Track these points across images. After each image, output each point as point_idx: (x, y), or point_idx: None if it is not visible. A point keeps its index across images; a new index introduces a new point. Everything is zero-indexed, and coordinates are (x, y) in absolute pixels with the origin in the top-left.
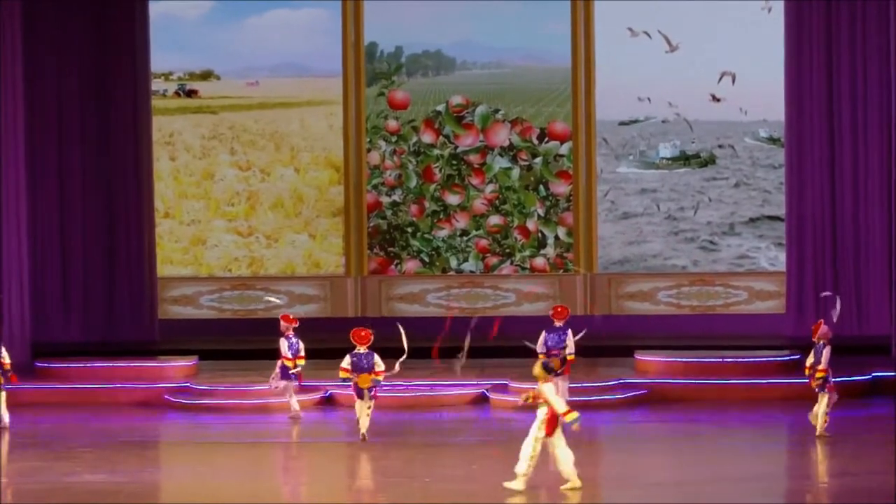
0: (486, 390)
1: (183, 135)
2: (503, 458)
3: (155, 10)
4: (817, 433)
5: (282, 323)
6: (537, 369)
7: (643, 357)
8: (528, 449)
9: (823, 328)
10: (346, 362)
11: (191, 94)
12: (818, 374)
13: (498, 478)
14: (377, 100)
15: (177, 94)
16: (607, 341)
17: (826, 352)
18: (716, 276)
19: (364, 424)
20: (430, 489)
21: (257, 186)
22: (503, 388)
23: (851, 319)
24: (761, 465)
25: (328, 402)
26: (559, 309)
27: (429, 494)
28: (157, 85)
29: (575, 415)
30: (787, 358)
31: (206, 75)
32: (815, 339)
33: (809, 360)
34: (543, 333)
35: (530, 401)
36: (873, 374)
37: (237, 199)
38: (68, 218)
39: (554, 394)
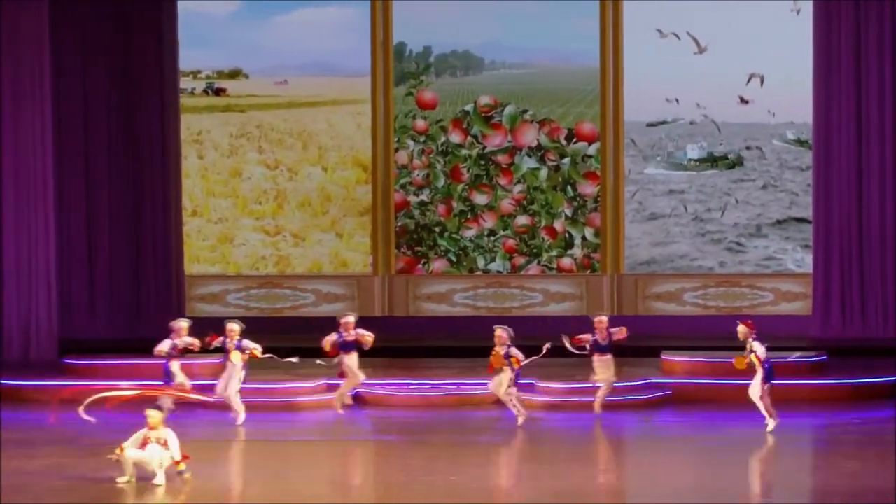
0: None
1: (211, 133)
2: (527, 458)
3: (183, 8)
4: None
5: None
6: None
7: (669, 357)
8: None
9: None
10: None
11: (219, 92)
12: None
13: (521, 477)
14: (405, 99)
15: (205, 92)
16: (633, 342)
17: None
18: (742, 278)
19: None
20: (453, 488)
21: (285, 185)
22: (529, 388)
23: (878, 321)
24: (786, 465)
25: (354, 400)
26: None
27: (452, 493)
28: (185, 83)
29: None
30: (814, 359)
31: (234, 74)
32: None
33: None
34: None
35: None
36: None
37: (265, 198)
38: (96, 216)
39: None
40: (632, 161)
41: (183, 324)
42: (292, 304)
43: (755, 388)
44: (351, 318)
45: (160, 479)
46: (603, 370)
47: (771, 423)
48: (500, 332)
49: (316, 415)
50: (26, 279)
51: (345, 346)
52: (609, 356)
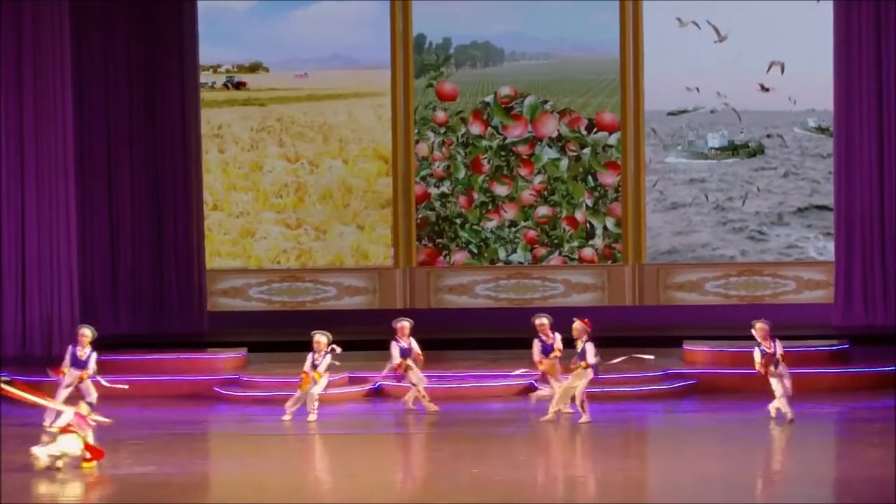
0: (535, 381)
1: (231, 127)
2: (551, 448)
3: (203, 3)
4: None
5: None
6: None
7: (691, 347)
8: None
9: None
10: None
11: (239, 86)
12: None
13: (545, 468)
14: (425, 91)
15: (225, 86)
16: (655, 331)
17: None
18: (764, 266)
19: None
20: (477, 480)
21: (306, 178)
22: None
23: None
24: (809, 454)
25: (377, 393)
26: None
27: (477, 486)
28: (205, 77)
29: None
30: (836, 348)
31: (254, 67)
32: None
33: None
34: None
35: None
36: None
37: (285, 191)
38: (117, 211)
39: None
40: (652, 150)
41: (406, 323)
42: (314, 298)
43: (580, 388)
44: (545, 320)
45: (61, 464)
46: (777, 383)
47: (584, 417)
48: (319, 338)
49: (340, 407)
50: (48, 275)
51: (546, 351)
52: (781, 367)
